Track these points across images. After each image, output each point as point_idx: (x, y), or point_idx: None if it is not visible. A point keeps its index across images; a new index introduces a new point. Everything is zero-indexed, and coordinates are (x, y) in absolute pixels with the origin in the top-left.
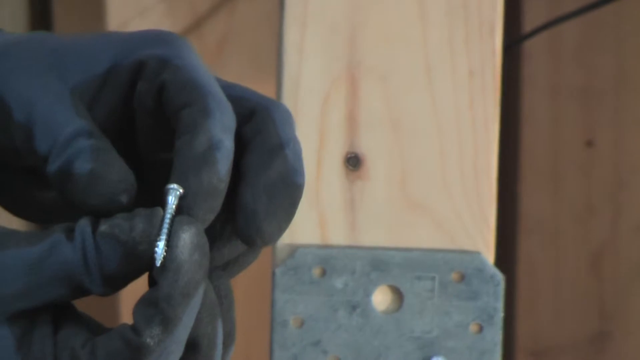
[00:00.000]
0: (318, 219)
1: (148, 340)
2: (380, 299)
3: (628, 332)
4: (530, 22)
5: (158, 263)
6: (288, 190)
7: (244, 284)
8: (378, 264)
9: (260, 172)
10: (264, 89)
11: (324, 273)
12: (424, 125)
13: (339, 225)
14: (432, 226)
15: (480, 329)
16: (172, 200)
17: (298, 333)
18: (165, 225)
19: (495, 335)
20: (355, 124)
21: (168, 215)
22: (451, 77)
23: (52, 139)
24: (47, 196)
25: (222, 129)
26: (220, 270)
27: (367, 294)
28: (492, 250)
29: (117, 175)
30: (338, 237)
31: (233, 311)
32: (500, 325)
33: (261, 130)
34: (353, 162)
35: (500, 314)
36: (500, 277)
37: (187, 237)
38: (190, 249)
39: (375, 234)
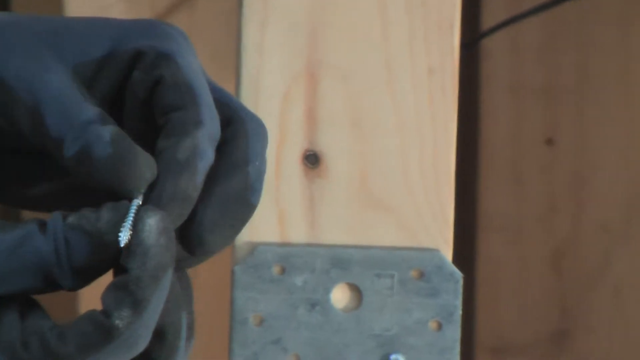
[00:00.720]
0: (277, 216)
1: (117, 322)
2: (340, 296)
3: (589, 330)
4: (489, 19)
5: (122, 245)
6: (240, 207)
7: (205, 282)
8: (338, 261)
9: (219, 183)
10: (225, 87)
11: (283, 271)
12: (384, 123)
13: (299, 223)
14: (392, 224)
15: (440, 326)
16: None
17: (258, 331)
18: (131, 215)
19: (454, 332)
20: (315, 122)
21: (134, 206)
22: (411, 75)
23: (66, 123)
24: (30, 184)
25: (208, 139)
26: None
27: (327, 292)
28: (451, 248)
29: (142, 158)
30: (298, 235)
31: (192, 304)
32: (459, 322)
33: (231, 142)
34: (312, 159)
35: (459, 312)
36: (459, 274)
37: (153, 222)
38: (157, 233)
39: (335, 232)
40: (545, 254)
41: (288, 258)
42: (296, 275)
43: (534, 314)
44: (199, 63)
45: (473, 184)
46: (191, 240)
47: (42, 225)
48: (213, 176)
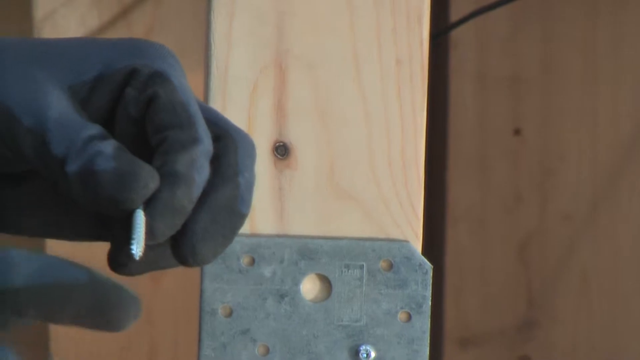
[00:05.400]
0: None
1: None
2: (309, 287)
3: (555, 321)
4: (457, 11)
5: (136, 258)
6: (231, 217)
7: (173, 273)
8: (306, 252)
9: (209, 193)
10: (192, 78)
11: (252, 262)
12: (352, 114)
13: (268, 214)
14: (361, 215)
15: (409, 317)
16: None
17: (227, 322)
18: (139, 226)
19: (423, 323)
20: (284, 113)
21: (140, 217)
22: (379, 66)
23: (68, 142)
24: (28, 213)
25: (205, 155)
26: None
27: (296, 283)
28: (420, 239)
29: (144, 170)
30: (266, 226)
31: None
32: (429, 313)
33: (221, 156)
34: (281, 150)
35: (428, 303)
36: (428, 265)
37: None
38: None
39: (304, 223)
40: (511, 244)
41: (257, 249)
42: (265, 266)
43: (500, 305)
44: (187, 81)
45: (440, 174)
46: (184, 250)
47: None
48: (205, 188)
